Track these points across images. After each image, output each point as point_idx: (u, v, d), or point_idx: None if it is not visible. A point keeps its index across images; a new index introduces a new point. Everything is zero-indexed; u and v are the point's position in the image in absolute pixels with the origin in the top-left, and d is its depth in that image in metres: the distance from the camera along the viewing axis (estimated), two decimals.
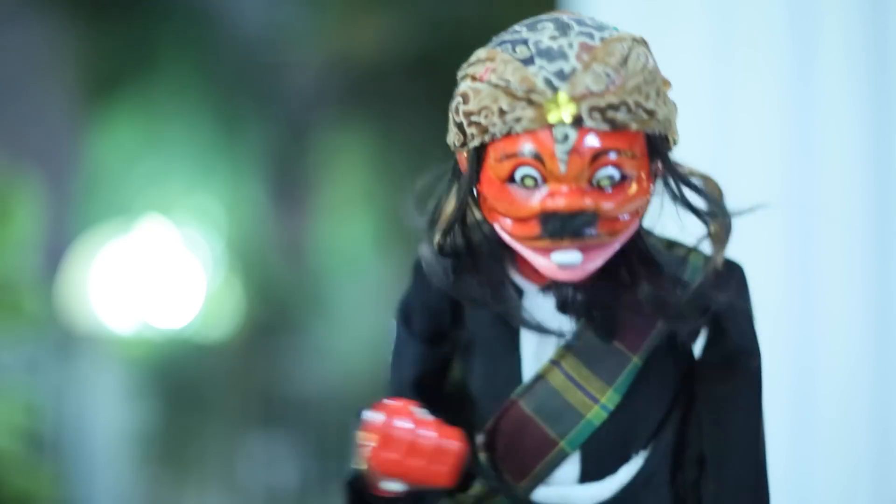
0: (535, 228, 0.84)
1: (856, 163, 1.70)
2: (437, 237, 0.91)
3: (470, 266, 0.91)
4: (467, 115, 0.85)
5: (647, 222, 0.90)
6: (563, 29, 0.85)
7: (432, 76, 2.83)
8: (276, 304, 3.15)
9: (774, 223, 1.71)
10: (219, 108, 3.11)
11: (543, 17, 0.88)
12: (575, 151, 0.82)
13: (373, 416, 0.84)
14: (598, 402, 0.90)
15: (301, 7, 3.16)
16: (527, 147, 0.83)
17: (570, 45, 0.84)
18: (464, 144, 0.86)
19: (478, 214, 0.90)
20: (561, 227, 0.82)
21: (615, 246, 0.85)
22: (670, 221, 0.92)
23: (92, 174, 3.09)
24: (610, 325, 0.90)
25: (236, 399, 3.12)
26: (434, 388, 0.98)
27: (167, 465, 3.09)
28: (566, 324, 0.91)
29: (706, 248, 0.93)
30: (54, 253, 2.90)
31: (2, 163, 2.36)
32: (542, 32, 0.85)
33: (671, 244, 0.93)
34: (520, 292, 0.92)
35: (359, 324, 2.96)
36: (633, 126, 0.83)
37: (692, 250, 0.92)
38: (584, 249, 0.84)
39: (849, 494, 1.68)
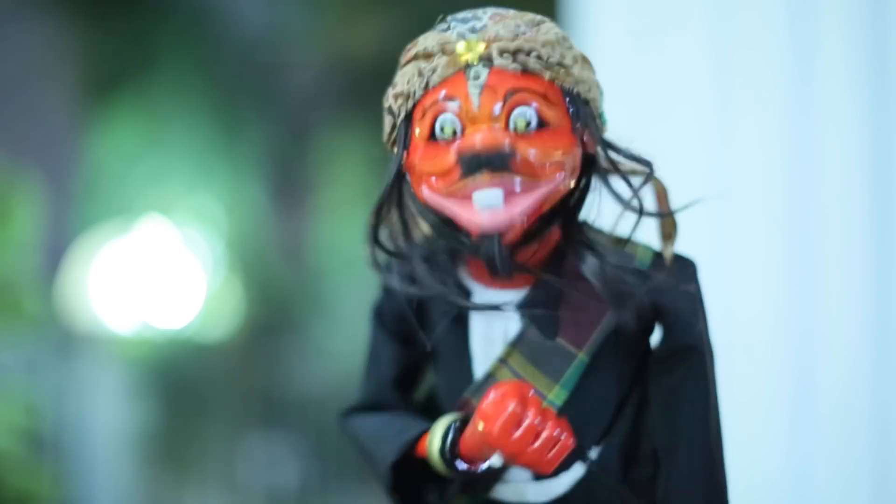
0: (455, 173, 0.85)
1: (856, 163, 1.70)
2: (374, 219, 0.94)
3: (410, 256, 0.94)
4: (395, 96, 0.89)
5: (590, 218, 0.91)
6: (481, 8, 0.90)
7: None
8: (276, 304, 3.15)
9: (774, 223, 1.71)
10: (219, 108, 3.11)
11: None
12: (487, 87, 0.85)
13: (505, 393, 0.86)
14: (545, 399, 0.91)
15: (301, 7, 3.16)
16: (443, 93, 0.86)
17: (485, 12, 0.89)
18: (393, 127, 0.90)
19: (420, 212, 0.92)
20: (475, 158, 0.84)
21: (538, 192, 0.86)
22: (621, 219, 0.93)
23: (92, 174, 3.09)
24: (553, 322, 0.91)
25: (236, 399, 3.12)
26: (409, 389, 1.01)
27: (167, 465, 3.09)
28: (511, 324, 0.92)
29: (656, 244, 0.94)
30: (54, 253, 2.90)
31: (2, 163, 2.36)
32: (459, 13, 0.90)
33: (618, 240, 0.93)
34: (467, 294, 0.93)
35: (359, 324, 2.95)
36: (546, 74, 0.86)
37: (640, 245, 0.93)
38: (504, 188, 0.85)
39: (849, 494, 1.68)
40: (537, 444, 0.85)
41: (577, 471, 0.93)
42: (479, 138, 0.84)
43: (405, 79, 0.89)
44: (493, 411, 0.86)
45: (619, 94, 1.76)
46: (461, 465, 0.90)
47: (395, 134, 0.90)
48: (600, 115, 0.90)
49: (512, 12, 0.89)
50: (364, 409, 1.00)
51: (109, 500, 3.01)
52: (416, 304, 0.96)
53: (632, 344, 0.93)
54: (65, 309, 2.97)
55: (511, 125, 0.85)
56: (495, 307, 0.91)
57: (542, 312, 0.91)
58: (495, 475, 0.94)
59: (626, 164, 0.92)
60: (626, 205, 0.89)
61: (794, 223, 1.72)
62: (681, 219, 0.95)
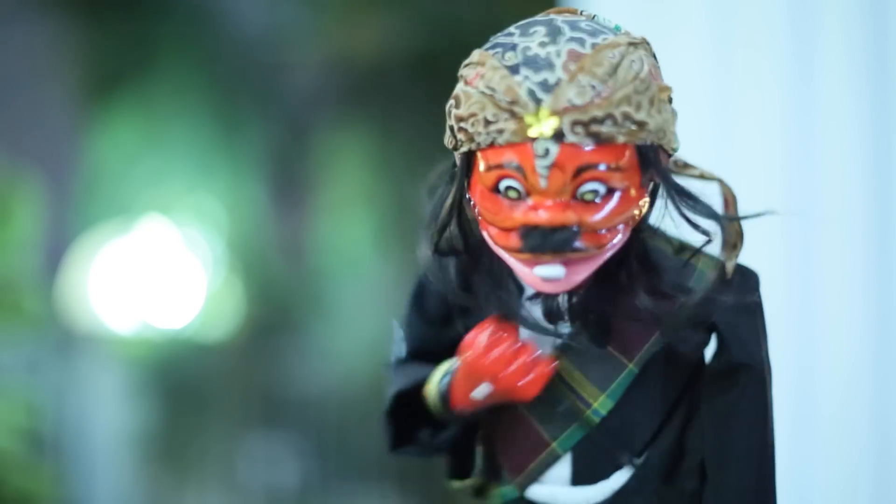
0: (516, 241, 0.83)
1: (856, 163, 1.70)
2: (435, 236, 0.90)
3: (468, 265, 0.91)
4: (458, 119, 0.84)
5: (659, 222, 0.88)
6: (554, 34, 0.83)
7: (432, 76, 2.83)
8: (277, 304, 3.14)
9: (774, 224, 1.70)
10: (219, 108, 3.10)
11: (540, 17, 0.86)
12: (556, 166, 0.81)
13: (482, 326, 0.89)
14: (590, 407, 0.89)
15: (301, 7, 3.16)
16: (509, 160, 0.82)
17: (558, 54, 0.82)
18: (455, 148, 0.86)
19: (469, 217, 0.89)
20: (542, 242, 0.82)
21: (602, 258, 0.84)
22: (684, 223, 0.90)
23: (92, 174, 3.09)
24: (605, 330, 0.89)
25: (236, 399, 3.12)
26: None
27: (167, 465, 3.09)
28: (562, 328, 0.90)
29: (718, 252, 0.91)
30: (54, 253, 2.90)
31: (2, 163, 2.36)
32: (532, 38, 0.83)
33: (682, 247, 0.91)
34: (520, 289, 0.91)
35: (359, 324, 2.96)
36: (620, 139, 0.82)
37: (703, 255, 0.90)
38: (567, 263, 0.83)
39: (849, 495, 1.68)
40: (513, 367, 0.86)
41: (616, 480, 0.91)
42: (545, 217, 0.81)
43: (469, 110, 0.83)
44: (472, 337, 0.88)
45: None
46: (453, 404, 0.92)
47: (456, 153, 0.87)
48: (674, 150, 0.87)
49: (588, 45, 0.82)
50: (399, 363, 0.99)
51: (110, 500, 3.01)
52: (462, 309, 0.94)
53: (683, 357, 0.91)
54: (65, 309, 2.97)
55: (577, 196, 0.82)
56: (548, 331, 0.89)
57: (594, 319, 0.89)
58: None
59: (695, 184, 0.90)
60: (701, 229, 0.87)
61: (794, 223, 1.71)
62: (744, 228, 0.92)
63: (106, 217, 3.04)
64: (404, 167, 2.89)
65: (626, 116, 0.81)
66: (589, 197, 0.82)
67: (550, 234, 0.81)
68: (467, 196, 0.87)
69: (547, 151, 0.81)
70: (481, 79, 0.83)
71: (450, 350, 0.94)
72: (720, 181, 0.91)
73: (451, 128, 0.85)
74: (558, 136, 0.81)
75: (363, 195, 3.12)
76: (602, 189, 0.82)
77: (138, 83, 3.09)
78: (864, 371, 1.69)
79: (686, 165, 0.92)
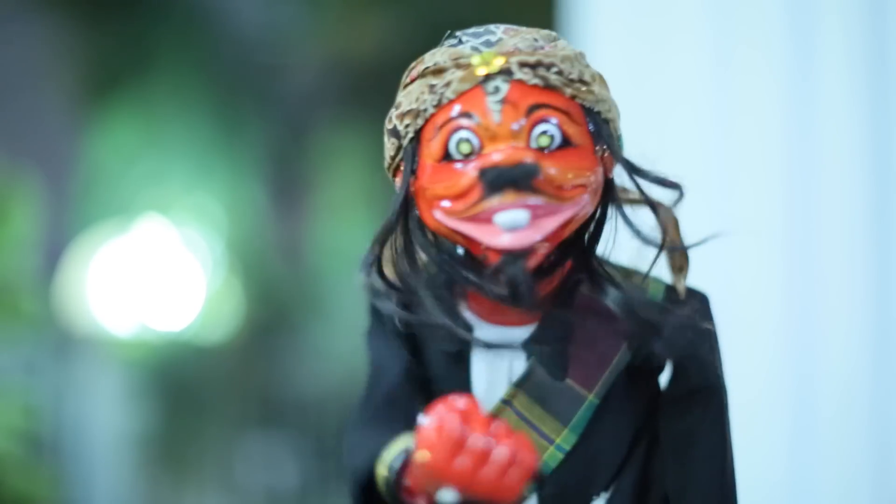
0: (475, 194, 0.80)
1: (855, 164, 1.69)
2: (381, 268, 0.86)
3: (424, 295, 0.85)
4: (400, 116, 0.84)
5: (602, 250, 0.86)
6: (492, 24, 0.85)
7: None
8: (276, 305, 3.14)
9: (774, 224, 1.70)
10: (218, 108, 3.10)
11: None
12: (507, 101, 0.80)
13: (442, 416, 0.76)
14: (553, 443, 0.86)
15: (301, 7, 3.15)
16: (458, 109, 0.81)
17: (497, 27, 0.84)
18: (399, 149, 0.84)
19: (422, 246, 0.85)
20: (499, 175, 0.79)
21: (564, 214, 0.81)
22: (626, 249, 0.87)
23: (90, 174, 3.09)
24: (562, 361, 0.86)
25: (236, 400, 3.12)
26: (411, 407, 0.90)
27: (166, 466, 3.08)
28: (517, 363, 0.86)
29: (666, 276, 0.89)
30: (53, 253, 2.89)
31: (0, 163, 2.35)
32: (466, 33, 0.85)
33: (628, 273, 0.88)
34: (469, 328, 0.86)
35: (359, 324, 2.95)
36: (567, 91, 0.82)
37: (651, 279, 0.88)
38: (529, 207, 0.79)
39: (849, 495, 1.67)
40: (488, 468, 0.75)
41: None
42: (501, 154, 0.79)
43: (412, 97, 0.83)
44: (432, 436, 0.75)
45: (618, 93, 1.76)
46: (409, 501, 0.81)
47: (399, 157, 0.85)
48: (619, 137, 0.86)
49: (525, 28, 0.85)
50: (360, 424, 0.91)
51: (108, 501, 3.01)
52: (411, 340, 0.90)
53: (642, 383, 0.88)
54: (63, 310, 2.97)
55: (533, 143, 0.80)
56: (504, 346, 0.85)
57: (550, 351, 0.85)
58: None
59: (647, 188, 0.86)
60: (644, 238, 0.84)
61: (793, 224, 1.71)
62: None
63: (104, 217, 3.04)
64: None
65: (570, 71, 0.82)
66: (544, 142, 0.80)
67: (509, 171, 0.79)
68: (412, 202, 0.84)
69: (497, 88, 0.80)
70: (421, 65, 0.84)
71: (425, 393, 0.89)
72: (659, 205, 0.87)
73: (393, 129, 0.84)
74: (506, 73, 0.81)
75: (363, 195, 3.12)
76: (557, 136, 0.81)
77: (137, 83, 3.09)
78: (864, 373, 1.68)
79: (625, 189, 0.88)
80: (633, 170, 0.85)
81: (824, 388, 1.69)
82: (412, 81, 0.84)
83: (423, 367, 0.90)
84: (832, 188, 1.70)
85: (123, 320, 3.01)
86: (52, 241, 2.79)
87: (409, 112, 0.83)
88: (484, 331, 0.87)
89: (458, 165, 0.81)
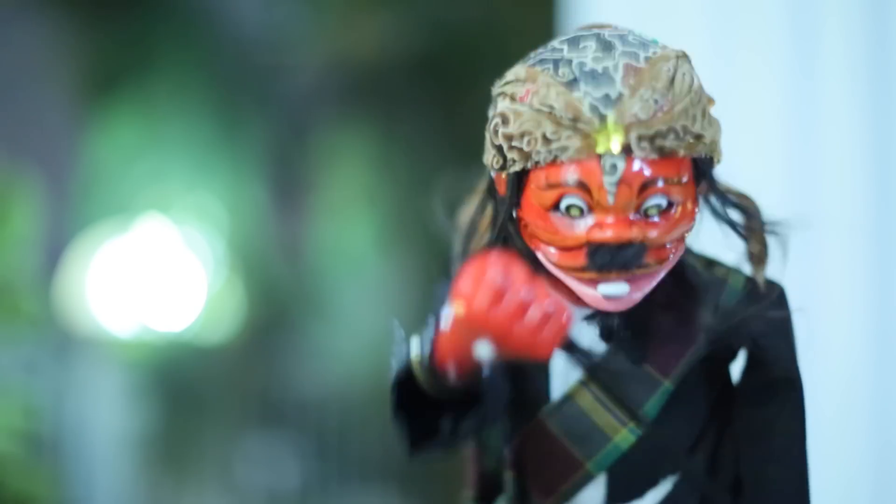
0: (581, 259, 0.82)
1: (856, 163, 1.69)
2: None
3: None
4: (507, 138, 0.82)
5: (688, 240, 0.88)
6: (607, 48, 0.83)
7: (433, 77, 2.83)
8: (276, 305, 3.14)
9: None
10: (219, 107, 3.10)
11: (583, 32, 0.86)
12: (623, 182, 0.80)
13: (481, 267, 0.75)
14: (626, 426, 0.88)
15: (301, 7, 3.15)
16: (573, 177, 0.81)
17: (616, 68, 0.82)
18: (503, 168, 0.84)
19: (517, 242, 0.87)
20: (609, 259, 0.81)
21: (662, 273, 0.84)
22: (710, 238, 0.90)
23: (91, 173, 3.09)
24: (641, 347, 0.88)
25: (236, 400, 3.12)
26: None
27: (167, 467, 3.08)
28: (597, 347, 0.88)
29: (745, 267, 0.91)
30: (53, 253, 2.89)
31: (0, 162, 2.35)
32: (584, 52, 0.83)
33: (710, 263, 0.91)
34: None
35: (359, 324, 2.95)
36: (682, 152, 0.82)
37: (731, 270, 0.91)
38: (631, 280, 0.82)
39: (849, 495, 1.67)
40: (524, 322, 0.75)
41: (651, 499, 0.90)
42: (611, 234, 0.80)
43: (521, 128, 0.81)
44: (470, 286, 0.75)
45: None
46: (443, 369, 0.80)
47: (501, 172, 0.84)
48: (720, 159, 0.87)
49: (642, 58, 0.82)
50: None
51: (108, 501, 3.01)
52: None
53: (716, 372, 0.90)
54: (64, 310, 2.97)
55: (641, 212, 0.82)
56: (583, 352, 0.87)
57: (630, 336, 0.88)
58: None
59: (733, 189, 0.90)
60: (732, 226, 0.88)
61: (794, 224, 1.71)
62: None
63: (105, 217, 3.04)
64: (404, 167, 2.88)
65: (686, 130, 0.81)
66: (652, 212, 0.82)
67: (618, 252, 0.81)
68: (514, 216, 0.85)
69: (615, 167, 0.80)
70: (535, 95, 0.81)
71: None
72: (745, 195, 0.91)
73: (500, 147, 0.83)
74: (625, 150, 0.80)
75: (363, 195, 3.11)
76: (664, 203, 0.82)
77: (137, 82, 3.09)
78: (865, 372, 1.69)
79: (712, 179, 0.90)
80: (722, 198, 0.88)
81: (824, 387, 1.69)
82: (521, 101, 0.82)
83: None
84: (833, 189, 1.70)
85: (124, 320, 3.01)
86: (52, 241, 2.78)
87: (517, 148, 0.82)
88: (588, 314, 0.88)
89: (566, 222, 0.82)
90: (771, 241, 0.91)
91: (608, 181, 0.80)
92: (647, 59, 0.83)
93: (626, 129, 0.80)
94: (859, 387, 1.68)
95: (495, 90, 0.85)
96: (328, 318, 3.08)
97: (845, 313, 1.69)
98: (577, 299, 0.87)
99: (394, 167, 2.98)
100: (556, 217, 0.82)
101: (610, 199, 0.80)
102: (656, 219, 0.82)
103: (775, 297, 0.90)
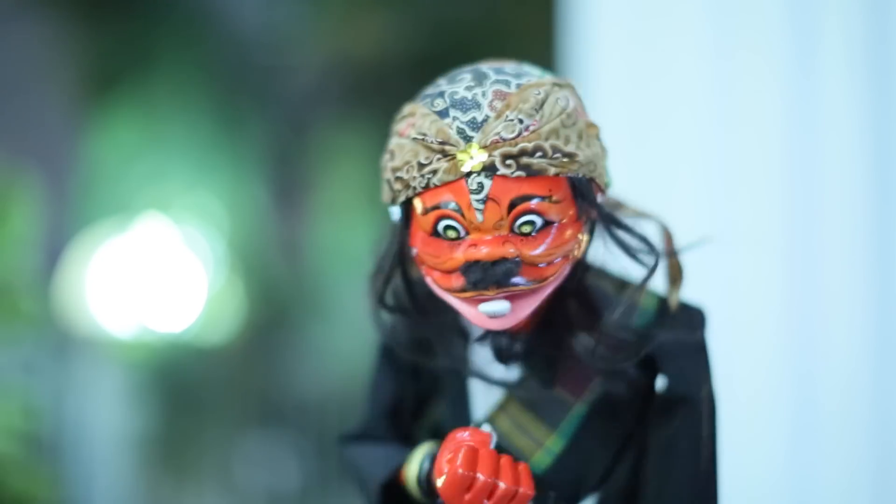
0: (459, 280, 0.84)
1: (856, 163, 1.69)
2: (380, 289, 0.91)
3: (415, 319, 0.92)
4: (393, 171, 0.86)
5: (599, 260, 0.89)
6: (480, 78, 0.85)
7: (433, 76, 2.82)
8: (276, 305, 3.14)
9: (775, 225, 1.70)
10: (219, 106, 3.10)
11: (467, 67, 0.88)
12: (491, 200, 0.83)
13: (455, 455, 0.86)
14: (541, 447, 0.90)
15: (301, 6, 3.15)
16: (445, 198, 0.84)
17: (484, 94, 0.84)
18: (393, 200, 0.87)
19: (413, 271, 0.90)
20: (483, 276, 0.83)
21: (545, 292, 0.85)
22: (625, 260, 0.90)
23: (91, 173, 3.09)
24: (551, 371, 0.90)
25: (236, 400, 3.12)
26: (406, 421, 0.99)
27: (166, 466, 3.08)
28: (511, 371, 0.91)
29: (662, 287, 0.92)
30: (53, 253, 2.89)
31: (0, 162, 2.35)
32: (458, 84, 0.86)
33: (623, 284, 0.91)
34: (466, 336, 0.92)
35: (359, 324, 2.95)
36: (552, 170, 0.83)
37: (645, 291, 0.91)
38: (511, 298, 0.84)
39: (849, 494, 1.67)
40: (493, 500, 0.85)
41: None
42: (484, 252, 0.83)
43: (403, 159, 0.85)
44: (448, 472, 0.86)
45: (618, 95, 1.76)
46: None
47: (392, 205, 0.88)
48: (606, 184, 0.88)
49: (513, 84, 0.85)
50: (359, 437, 1.00)
51: (108, 501, 3.01)
52: (415, 354, 0.95)
53: (635, 392, 0.91)
54: (63, 309, 2.97)
55: (515, 230, 0.84)
56: (495, 381, 0.90)
57: (541, 361, 0.90)
58: None
59: (632, 209, 0.91)
60: (635, 257, 0.88)
61: (794, 225, 1.71)
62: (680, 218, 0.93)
63: (105, 216, 3.04)
64: None
65: (556, 149, 0.83)
66: (526, 229, 0.83)
67: (491, 268, 0.83)
68: (409, 246, 0.88)
69: (481, 186, 0.83)
70: (412, 127, 0.85)
71: (420, 405, 0.97)
72: (656, 218, 0.91)
73: (388, 181, 0.87)
74: (490, 169, 0.82)
75: (363, 195, 3.11)
76: (539, 221, 0.84)
77: (137, 82, 3.09)
78: (865, 374, 1.68)
79: (619, 204, 0.92)
80: (613, 224, 0.88)
81: (825, 386, 1.69)
82: (403, 136, 0.86)
83: (422, 379, 0.96)
84: (833, 189, 1.70)
85: (124, 320, 3.01)
86: (52, 241, 2.78)
87: (399, 178, 0.86)
88: (479, 334, 0.91)
89: (446, 245, 0.85)
90: (685, 263, 0.91)
91: (475, 199, 0.83)
92: (518, 85, 0.85)
93: (490, 148, 0.82)
94: (860, 385, 1.68)
95: (392, 127, 0.89)
96: (328, 318, 3.08)
97: (846, 312, 1.69)
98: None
99: None
100: (436, 242, 0.85)
101: (479, 217, 0.83)
102: (534, 235, 0.84)
103: (690, 319, 0.91)
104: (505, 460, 0.86)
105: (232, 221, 3.11)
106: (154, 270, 3.02)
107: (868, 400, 1.68)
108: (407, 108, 0.87)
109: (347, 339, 2.99)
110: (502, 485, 0.85)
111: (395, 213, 0.88)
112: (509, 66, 0.87)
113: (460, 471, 0.84)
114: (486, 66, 0.87)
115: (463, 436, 0.87)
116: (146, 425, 3.06)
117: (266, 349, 3.11)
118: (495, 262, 0.83)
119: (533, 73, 0.87)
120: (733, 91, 1.74)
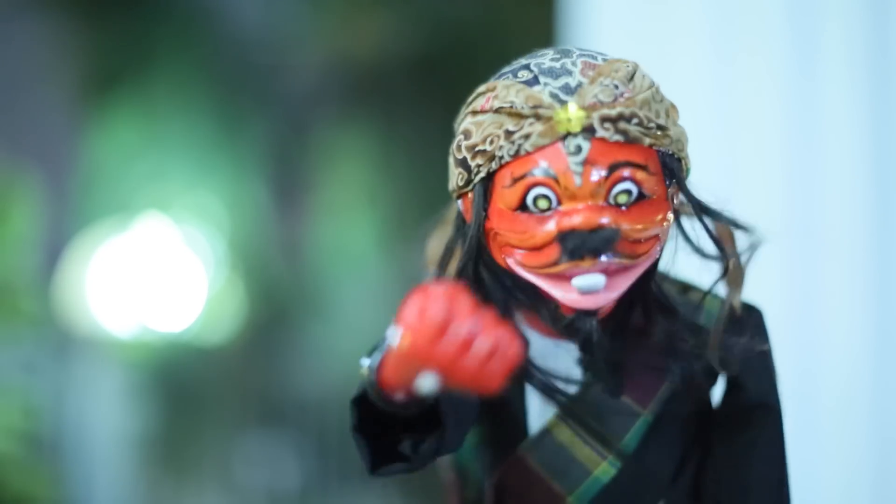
0: (552, 253, 0.79)
1: (857, 166, 1.69)
2: (470, 276, 0.85)
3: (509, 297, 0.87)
4: (471, 148, 0.81)
5: (661, 265, 0.87)
6: (565, 52, 0.83)
7: (433, 76, 2.83)
8: (276, 304, 3.14)
9: (776, 225, 1.70)
10: (219, 106, 3.10)
11: (540, 50, 0.85)
12: (589, 163, 0.78)
13: (426, 299, 0.70)
14: (605, 458, 0.87)
15: (302, 6, 3.15)
16: (538, 165, 0.79)
17: (574, 63, 0.81)
18: (468, 183, 0.83)
19: (487, 259, 0.85)
20: (581, 244, 0.78)
21: (638, 270, 0.81)
22: (686, 263, 0.88)
23: (91, 172, 3.09)
24: (618, 380, 0.86)
25: (236, 400, 3.11)
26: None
27: (167, 467, 3.08)
28: (573, 380, 0.87)
29: (722, 291, 0.90)
30: (53, 253, 2.89)
31: (0, 162, 2.35)
32: (542, 57, 0.83)
33: (686, 288, 0.90)
34: (526, 343, 0.87)
35: (359, 324, 2.95)
36: (646, 141, 0.80)
37: (707, 294, 0.89)
38: (606, 272, 0.80)
39: (849, 495, 1.67)
40: (470, 355, 0.69)
41: None
42: (581, 219, 0.78)
43: (484, 133, 0.80)
44: (415, 317, 0.70)
45: None
46: (387, 392, 0.77)
47: (467, 189, 0.83)
48: (688, 169, 0.85)
49: (600, 59, 0.82)
50: None
51: (108, 501, 3.01)
52: None
53: (696, 399, 0.90)
54: (63, 309, 2.97)
55: (611, 199, 0.79)
56: (557, 390, 0.86)
57: (607, 368, 0.86)
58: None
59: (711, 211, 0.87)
60: (703, 254, 0.86)
61: (795, 224, 1.71)
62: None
63: (105, 216, 3.04)
64: (405, 167, 2.88)
65: (650, 119, 0.80)
66: (622, 199, 0.80)
67: (589, 237, 0.78)
68: (481, 237, 0.83)
69: (579, 148, 0.79)
70: (495, 99, 0.81)
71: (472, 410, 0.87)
72: (716, 220, 0.88)
73: (463, 160, 0.82)
74: (588, 130, 0.79)
75: (364, 195, 3.11)
76: (634, 191, 0.80)
77: (137, 82, 3.09)
78: (865, 373, 1.68)
79: (683, 203, 0.88)
80: (703, 210, 0.85)
81: (825, 386, 1.69)
82: (483, 112, 0.82)
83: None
84: (834, 189, 1.70)
85: (124, 320, 3.01)
86: (52, 241, 2.78)
87: (481, 152, 0.81)
88: (537, 342, 0.87)
89: (535, 219, 0.80)
90: (747, 264, 0.89)
91: (573, 161, 0.79)
92: (604, 59, 0.83)
93: (589, 110, 0.79)
94: (859, 386, 1.68)
95: (459, 117, 0.85)
96: (328, 317, 3.08)
97: (846, 312, 1.69)
98: (547, 330, 0.85)
99: (394, 167, 2.98)
100: (523, 217, 0.81)
101: (577, 181, 0.79)
102: (627, 209, 0.80)
103: (753, 321, 0.89)
104: (486, 311, 0.72)
105: (232, 221, 3.11)
106: (154, 270, 3.02)
107: (868, 398, 1.68)
108: (482, 87, 0.83)
109: (347, 339, 2.99)
110: (484, 336, 0.70)
111: (470, 197, 0.82)
112: (588, 48, 0.85)
113: (434, 307, 0.69)
114: (565, 46, 0.85)
115: (432, 285, 0.72)
116: (146, 425, 3.06)
117: (266, 349, 3.11)
118: (593, 230, 0.78)
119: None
120: (733, 94, 1.74)
